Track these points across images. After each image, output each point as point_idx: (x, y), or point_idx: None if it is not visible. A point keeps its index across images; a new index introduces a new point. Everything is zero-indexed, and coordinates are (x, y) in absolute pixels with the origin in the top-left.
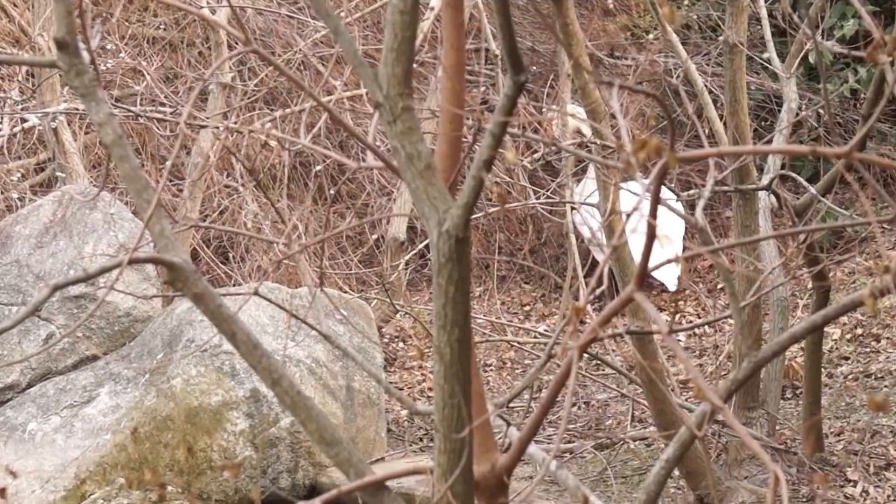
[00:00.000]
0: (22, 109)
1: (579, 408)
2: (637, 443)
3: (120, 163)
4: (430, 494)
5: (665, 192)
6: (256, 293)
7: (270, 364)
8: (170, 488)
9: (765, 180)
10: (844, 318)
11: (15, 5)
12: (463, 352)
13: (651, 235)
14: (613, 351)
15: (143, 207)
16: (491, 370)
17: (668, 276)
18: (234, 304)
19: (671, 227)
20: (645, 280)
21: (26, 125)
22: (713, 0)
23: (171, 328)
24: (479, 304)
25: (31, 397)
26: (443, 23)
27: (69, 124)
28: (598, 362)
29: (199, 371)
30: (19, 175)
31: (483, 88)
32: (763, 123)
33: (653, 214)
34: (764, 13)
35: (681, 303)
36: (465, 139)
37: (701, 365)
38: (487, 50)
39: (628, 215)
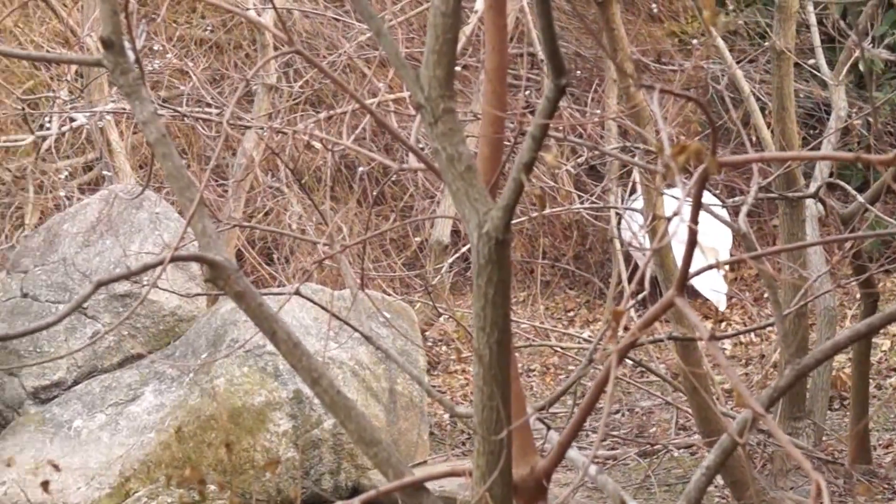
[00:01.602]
0: (70, 109)
1: (623, 414)
2: (681, 451)
3: (163, 161)
4: (470, 497)
5: (710, 200)
6: (298, 293)
7: (311, 363)
8: (211, 487)
9: (812, 188)
10: (894, 329)
11: (64, 5)
12: (502, 354)
13: (692, 240)
14: (658, 358)
15: (185, 206)
16: (534, 375)
17: (718, 296)
18: (276, 304)
19: (718, 238)
20: (688, 287)
21: (74, 125)
22: (761, 6)
23: (216, 328)
24: (523, 309)
25: (76, 395)
26: (485, 25)
27: (116, 124)
28: (643, 369)
29: (242, 371)
30: (67, 174)
31: (527, 92)
32: (812, 132)
33: (694, 220)
34: (813, 20)
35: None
36: (506, 142)
37: (746, 374)
38: (532, 54)
39: (669, 220)
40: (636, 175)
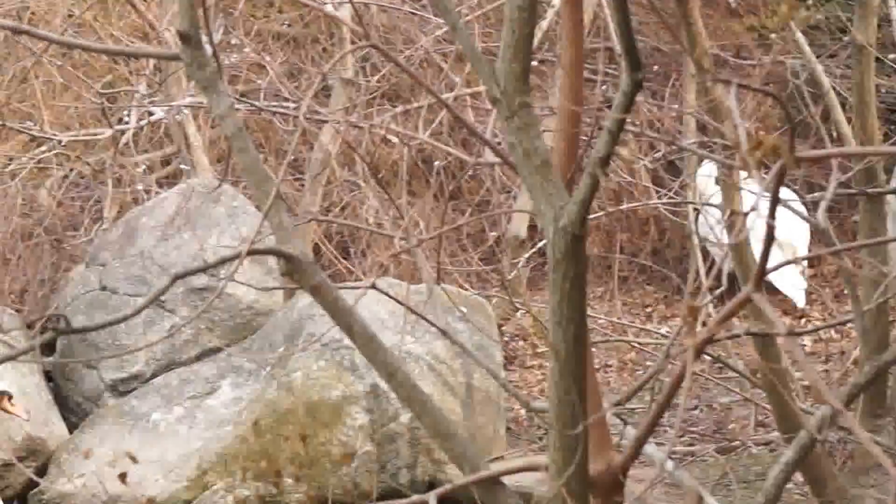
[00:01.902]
0: (149, 103)
1: (701, 410)
2: (759, 448)
3: (240, 154)
4: (547, 492)
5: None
6: (374, 287)
7: (387, 357)
8: (288, 481)
9: (893, 183)
10: None
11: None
12: (578, 349)
13: (770, 236)
14: (737, 354)
15: (262, 199)
16: (612, 371)
17: (797, 292)
18: (352, 298)
19: (797, 234)
20: (766, 283)
21: (153, 118)
22: (842, 0)
23: (292, 322)
24: (600, 305)
25: (155, 387)
26: (562, 19)
27: (194, 118)
28: (721, 365)
29: (319, 365)
30: (145, 168)
31: (604, 87)
32: (893, 127)
33: (771, 215)
34: (895, 14)
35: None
36: (583, 137)
37: (826, 371)
38: (609, 48)
39: (746, 215)
40: (704, 167)
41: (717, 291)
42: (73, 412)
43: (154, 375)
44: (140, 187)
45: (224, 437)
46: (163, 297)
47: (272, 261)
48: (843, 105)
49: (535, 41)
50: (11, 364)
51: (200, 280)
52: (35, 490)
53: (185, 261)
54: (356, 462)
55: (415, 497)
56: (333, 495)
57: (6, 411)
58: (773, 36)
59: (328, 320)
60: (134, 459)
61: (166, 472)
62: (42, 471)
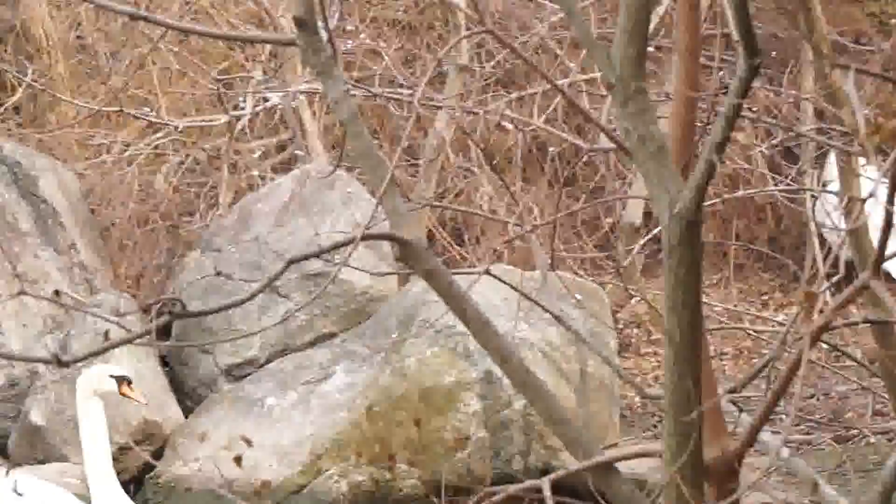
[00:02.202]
0: (264, 89)
1: (817, 399)
2: (877, 437)
3: (354, 139)
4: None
5: None
6: (487, 272)
7: (500, 342)
8: (402, 466)
9: None
10: None
11: None
12: (693, 335)
13: (888, 222)
14: (854, 342)
15: (376, 184)
16: (727, 359)
17: None
18: (466, 284)
19: None
20: (885, 271)
21: (268, 104)
22: None
23: (406, 308)
24: (716, 292)
25: (269, 372)
26: (678, 4)
27: (310, 104)
28: (838, 353)
29: (433, 351)
30: (260, 154)
31: (721, 73)
32: None
33: (890, 201)
34: None
35: None
36: (699, 123)
37: None
38: (726, 34)
39: (864, 201)
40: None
41: (834, 279)
42: (189, 397)
43: (268, 361)
44: (255, 173)
45: (338, 422)
46: (277, 283)
47: (386, 246)
48: None
49: (651, 26)
50: (128, 349)
51: (315, 265)
52: (151, 473)
53: (299, 246)
54: (469, 448)
55: (528, 482)
56: (447, 481)
57: (125, 396)
58: (893, 21)
59: (442, 306)
60: (249, 443)
61: (280, 457)
62: (158, 455)
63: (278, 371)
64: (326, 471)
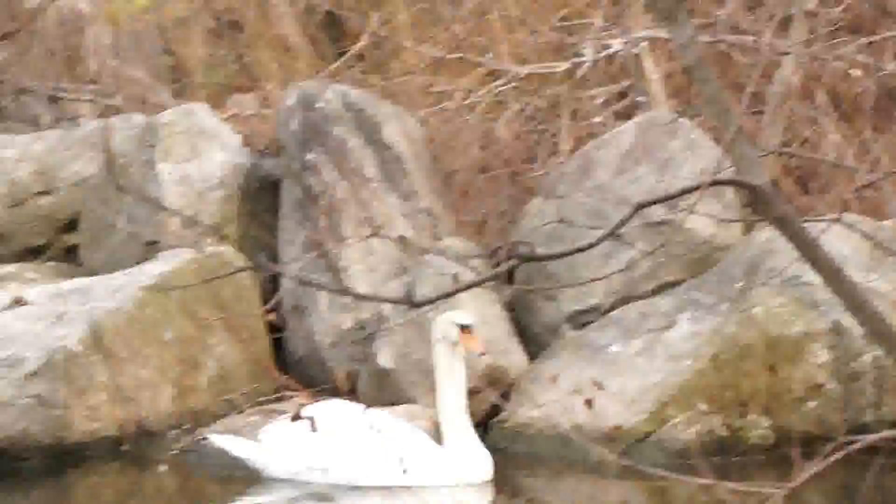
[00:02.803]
0: (605, 36)
1: None
2: None
3: (701, 85)
4: None
5: None
6: (838, 221)
7: (854, 291)
8: (750, 416)
9: None
10: None
11: None
12: None
13: None
14: None
15: (722, 130)
16: None
17: None
18: (815, 232)
19: None
20: None
21: (609, 52)
22: None
23: (751, 256)
24: None
25: (612, 320)
26: None
27: (651, 51)
28: None
29: (779, 301)
30: (601, 101)
31: None
32: None
33: None
34: None
35: None
36: None
37: None
38: None
39: None
40: None
41: None
42: (533, 342)
43: (612, 308)
44: (596, 120)
45: (683, 370)
46: (621, 230)
47: (730, 194)
48: None
49: None
50: (473, 294)
51: (658, 213)
52: (497, 417)
53: (642, 194)
54: (820, 398)
55: (887, 432)
56: (797, 431)
57: (466, 345)
58: None
59: (788, 255)
60: (600, 387)
61: (626, 404)
62: (502, 399)
63: (622, 318)
64: (673, 419)
